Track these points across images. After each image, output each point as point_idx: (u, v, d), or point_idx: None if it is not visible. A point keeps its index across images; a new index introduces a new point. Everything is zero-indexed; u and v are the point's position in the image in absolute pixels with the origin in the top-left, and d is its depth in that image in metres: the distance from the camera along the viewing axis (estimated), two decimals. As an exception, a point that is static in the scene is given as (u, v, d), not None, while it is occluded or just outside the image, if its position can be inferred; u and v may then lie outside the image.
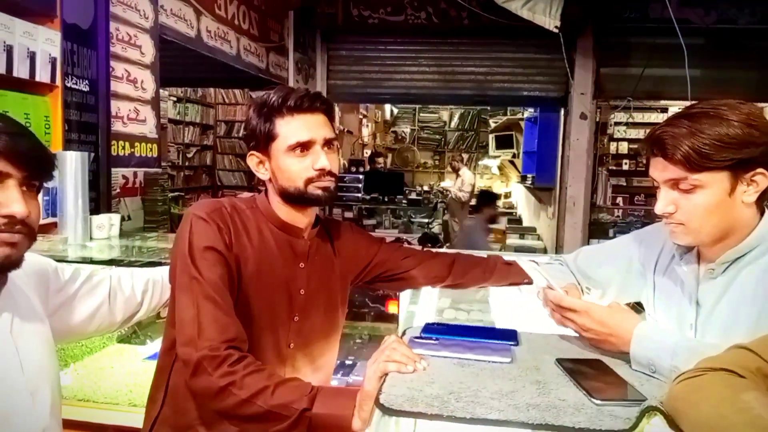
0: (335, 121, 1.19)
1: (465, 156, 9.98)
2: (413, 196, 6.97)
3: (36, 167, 0.86)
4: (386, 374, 0.89)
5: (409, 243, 3.78)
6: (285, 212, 1.17)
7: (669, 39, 3.73)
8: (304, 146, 1.11)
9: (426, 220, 6.42)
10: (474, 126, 10.65)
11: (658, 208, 1.02)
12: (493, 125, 8.75)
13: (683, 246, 1.09)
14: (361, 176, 6.22)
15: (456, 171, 7.84)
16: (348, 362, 1.97)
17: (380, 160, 8.91)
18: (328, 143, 1.13)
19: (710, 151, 0.93)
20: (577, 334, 1.09)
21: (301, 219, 1.19)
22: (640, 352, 0.96)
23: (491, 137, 8.45)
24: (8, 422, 0.86)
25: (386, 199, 6.35)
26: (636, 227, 1.30)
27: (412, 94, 5.24)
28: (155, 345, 2.05)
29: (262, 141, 1.12)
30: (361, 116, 8.67)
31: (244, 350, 0.98)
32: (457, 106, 10.20)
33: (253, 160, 1.16)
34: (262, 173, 1.16)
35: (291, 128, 1.10)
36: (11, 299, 0.92)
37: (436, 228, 6.59)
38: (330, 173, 1.13)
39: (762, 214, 1.00)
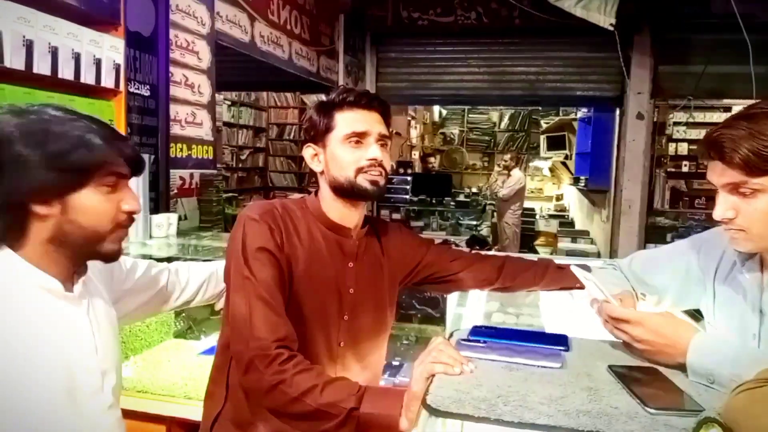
0: (390, 125, 1.23)
1: (516, 156, 9.80)
2: (461, 198, 6.92)
3: (137, 168, 0.97)
4: (433, 375, 0.89)
5: (457, 245, 3.75)
6: (335, 211, 1.20)
7: (732, 35, 3.55)
8: (360, 137, 1.15)
9: (474, 223, 6.36)
10: (524, 127, 10.46)
11: (717, 213, 0.98)
12: (544, 126, 8.56)
13: (744, 253, 1.04)
14: (409, 178, 6.22)
15: (509, 170, 7.70)
16: (395, 363, 1.98)
17: (431, 160, 8.89)
18: (382, 139, 1.17)
19: None
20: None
21: (351, 218, 1.21)
22: (697, 362, 0.92)
23: (542, 138, 8.27)
24: (81, 398, 0.93)
25: (434, 201, 6.32)
26: (696, 232, 1.25)
27: (462, 96, 5.21)
28: (209, 340, 2.12)
29: (320, 133, 1.17)
30: (409, 118, 8.67)
31: (294, 349, 1.01)
32: (507, 107, 10.05)
33: (309, 151, 1.21)
34: (315, 165, 1.20)
35: (348, 120, 1.15)
36: (88, 286, 0.99)
37: (484, 230, 6.52)
38: (381, 166, 1.15)
39: None
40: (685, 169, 6.54)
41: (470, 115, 10.68)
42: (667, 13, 4.44)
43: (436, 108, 10.35)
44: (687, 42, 4.52)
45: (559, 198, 9.96)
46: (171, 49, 2.67)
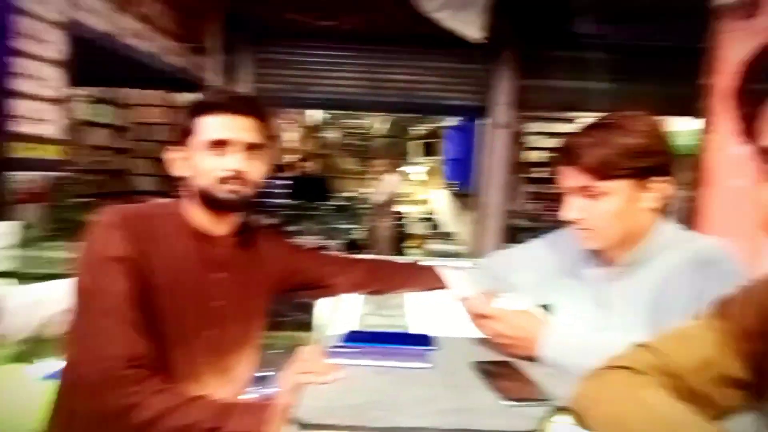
0: (267, 131, 1.17)
1: (388, 162, 10.10)
2: (339, 202, 6.95)
3: None
4: (303, 386, 0.87)
5: (334, 249, 3.76)
6: (201, 218, 1.13)
7: (584, 53, 3.94)
8: (220, 145, 1.08)
9: (351, 227, 6.41)
10: (400, 133, 10.78)
11: (569, 214, 1.07)
12: (417, 132, 8.90)
13: (590, 250, 1.15)
14: (285, 182, 6.11)
15: (380, 177, 7.95)
16: (264, 374, 1.92)
17: (307, 165, 8.83)
18: (250, 148, 1.10)
19: (616, 160, 0.99)
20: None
21: (219, 226, 1.15)
22: (549, 353, 1.00)
23: (416, 144, 8.59)
24: None
25: (311, 205, 6.28)
26: (550, 232, 1.36)
27: (341, 101, 5.22)
28: (45, 365, 1.89)
29: (184, 136, 1.10)
30: (286, 121, 8.54)
31: (151, 368, 0.93)
32: (384, 113, 10.29)
33: (174, 154, 1.13)
34: (179, 169, 1.13)
35: (211, 125, 1.08)
36: None
37: (361, 234, 6.60)
38: (242, 177, 1.09)
39: (660, 219, 1.08)
40: (540, 175, 7.18)
41: (348, 120, 10.79)
42: (531, 31, 4.81)
43: (315, 111, 10.31)
44: (546, 58, 4.93)
45: (430, 202, 10.40)
46: (14, 37, 2.37)
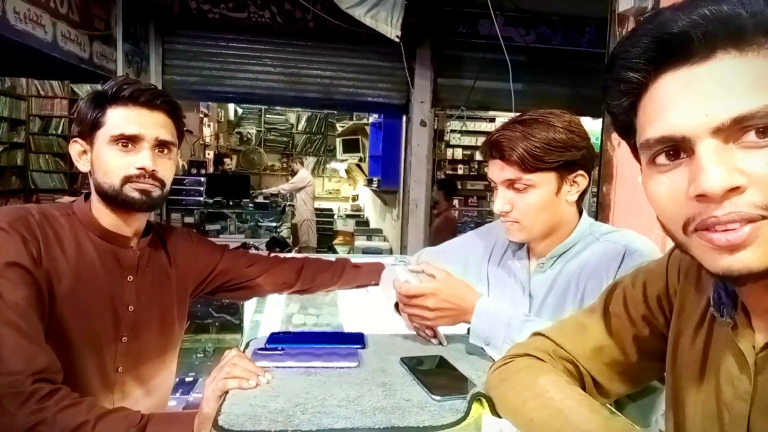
0: (182, 125, 1.09)
1: (306, 159, 10.06)
2: (260, 199, 6.78)
3: None
4: (226, 392, 0.83)
5: (257, 248, 3.65)
6: (108, 218, 1.05)
7: (496, 54, 4.09)
8: (130, 140, 1.00)
9: (274, 224, 6.27)
10: (321, 129, 10.69)
11: (497, 206, 1.10)
12: (340, 129, 8.86)
13: (516, 243, 1.19)
14: (202, 179, 5.87)
15: (294, 172, 7.95)
16: (189, 379, 1.84)
17: (227, 161, 8.56)
18: (161, 145, 1.04)
19: (540, 153, 1.03)
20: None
21: (128, 226, 1.07)
22: (478, 325, 1.03)
23: (338, 141, 8.55)
24: None
25: (231, 203, 6.08)
26: (470, 227, 1.39)
27: (257, 95, 5.08)
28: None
29: (88, 128, 1.01)
30: (202, 115, 8.21)
31: (57, 381, 0.86)
32: (304, 109, 10.16)
33: (75, 147, 1.04)
34: (82, 164, 1.04)
35: (119, 118, 1.00)
36: None
37: (284, 232, 6.48)
38: (153, 176, 1.02)
39: (581, 213, 1.14)
40: (460, 172, 7.39)
41: (268, 116, 10.54)
42: (444, 31, 4.92)
43: (232, 106, 9.99)
44: (460, 58, 5.07)
45: (355, 198, 10.40)
46: None
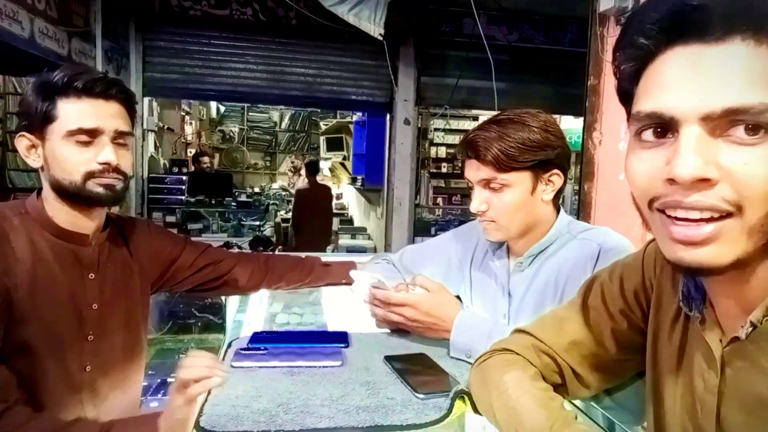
0: (134, 117, 1.06)
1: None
2: (243, 198, 6.73)
3: None
4: (208, 393, 0.82)
5: (240, 247, 3.62)
6: (64, 216, 1.00)
7: (479, 53, 4.10)
8: (89, 134, 0.96)
9: (257, 223, 6.23)
10: (305, 127, 10.63)
11: (473, 206, 1.11)
12: (323, 127, 8.83)
13: (495, 242, 1.19)
14: (184, 177, 5.81)
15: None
16: (170, 380, 1.81)
17: (206, 159, 8.47)
18: (120, 137, 1.00)
19: (515, 153, 1.03)
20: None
21: (86, 223, 1.03)
22: (458, 339, 1.03)
23: (322, 139, 8.51)
24: None
25: (213, 202, 6.03)
26: (454, 225, 1.40)
27: (239, 92, 5.03)
28: None
29: (37, 122, 0.95)
30: (183, 113, 8.12)
31: (10, 399, 0.82)
32: (287, 107, 10.10)
33: (22, 142, 0.98)
34: (32, 160, 0.98)
35: (74, 111, 0.95)
36: None
37: (268, 231, 6.44)
38: (117, 170, 0.99)
39: (558, 211, 1.14)
40: (444, 170, 7.41)
41: (250, 114, 10.46)
42: (428, 29, 4.92)
43: (214, 104, 9.89)
44: (444, 57, 5.08)
45: (338, 197, 10.37)
46: None
